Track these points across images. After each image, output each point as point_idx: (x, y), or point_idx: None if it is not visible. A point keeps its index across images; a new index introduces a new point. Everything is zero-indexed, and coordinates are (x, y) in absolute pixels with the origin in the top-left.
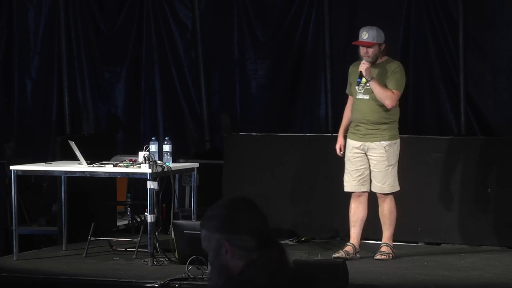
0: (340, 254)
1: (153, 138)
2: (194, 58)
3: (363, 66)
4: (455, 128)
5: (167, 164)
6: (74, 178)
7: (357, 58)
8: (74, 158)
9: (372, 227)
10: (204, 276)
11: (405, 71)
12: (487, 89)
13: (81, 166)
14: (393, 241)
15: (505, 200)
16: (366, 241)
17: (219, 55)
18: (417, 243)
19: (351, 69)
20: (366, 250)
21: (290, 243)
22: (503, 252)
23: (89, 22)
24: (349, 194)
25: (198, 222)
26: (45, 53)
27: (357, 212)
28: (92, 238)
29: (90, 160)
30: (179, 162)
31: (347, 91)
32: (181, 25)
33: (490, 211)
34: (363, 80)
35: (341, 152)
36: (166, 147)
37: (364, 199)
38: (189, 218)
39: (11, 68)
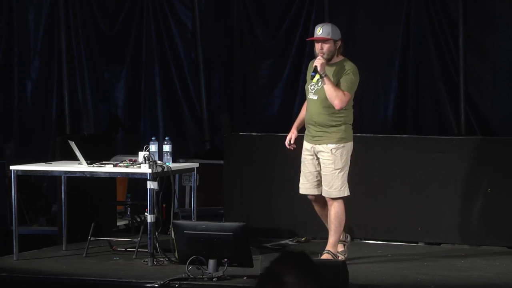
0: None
1: (153, 138)
2: (194, 58)
3: (319, 61)
4: (455, 128)
5: (167, 164)
6: (74, 178)
7: (356, 57)
8: (74, 158)
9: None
10: (204, 276)
11: (405, 71)
12: (487, 89)
13: (81, 166)
14: (393, 241)
15: (505, 200)
16: (366, 241)
17: (219, 55)
18: (417, 243)
19: (309, 65)
20: (366, 250)
21: (290, 243)
22: (503, 252)
23: (89, 22)
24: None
25: (198, 222)
26: (45, 53)
27: (323, 214)
28: (92, 238)
29: (90, 160)
30: (179, 162)
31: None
32: (181, 25)
33: (490, 211)
34: (317, 76)
35: (292, 145)
36: (166, 147)
37: (321, 198)
38: (189, 218)
39: (11, 68)
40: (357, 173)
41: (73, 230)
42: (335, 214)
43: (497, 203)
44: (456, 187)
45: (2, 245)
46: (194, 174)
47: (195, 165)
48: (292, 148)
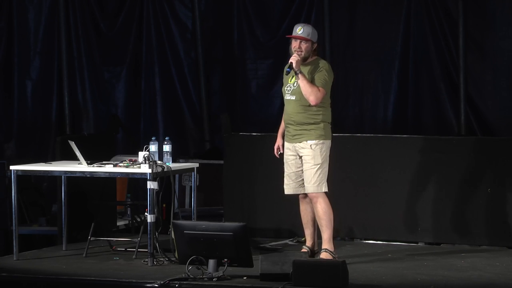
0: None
1: (153, 138)
2: (194, 58)
3: (294, 58)
4: (455, 128)
5: (167, 164)
6: (74, 178)
7: (356, 57)
8: (74, 158)
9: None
10: (204, 276)
11: (405, 71)
12: (487, 89)
13: (81, 166)
14: (393, 241)
15: (505, 200)
16: (366, 241)
17: (219, 55)
18: (417, 243)
19: (285, 70)
20: (366, 250)
21: (290, 243)
22: (503, 252)
23: (89, 22)
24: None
25: (198, 222)
26: (45, 53)
27: (306, 214)
28: (92, 238)
29: (90, 160)
30: (179, 162)
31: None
32: (181, 25)
33: (490, 211)
34: (291, 73)
35: (279, 153)
36: (166, 147)
37: (309, 199)
38: (189, 218)
39: (11, 68)
40: (357, 173)
41: (73, 230)
42: (322, 209)
43: (497, 203)
44: (456, 187)
45: (2, 245)
46: (194, 174)
47: (195, 165)
48: (279, 156)
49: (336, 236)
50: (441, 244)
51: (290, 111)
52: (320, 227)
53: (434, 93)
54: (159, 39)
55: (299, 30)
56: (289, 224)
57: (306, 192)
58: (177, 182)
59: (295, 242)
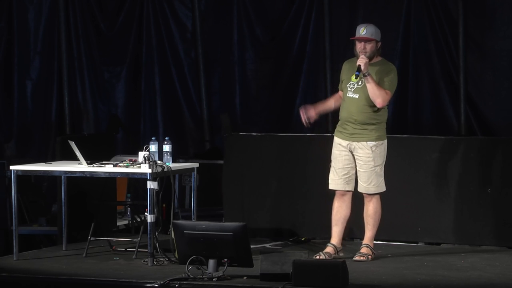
0: (321, 257)
1: (153, 138)
2: (194, 58)
3: (362, 60)
4: (455, 128)
5: (167, 164)
6: (74, 178)
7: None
8: (74, 158)
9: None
10: (204, 276)
11: (405, 71)
12: (487, 89)
13: (81, 166)
14: (393, 241)
15: (505, 200)
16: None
17: (219, 55)
18: (417, 243)
19: (345, 65)
20: None
21: (290, 243)
22: (503, 252)
23: (89, 22)
24: (358, 196)
25: (198, 222)
26: (45, 53)
27: (340, 211)
28: (92, 238)
29: (90, 160)
30: (179, 162)
31: (339, 87)
32: (181, 25)
33: (490, 211)
34: (357, 76)
35: (306, 121)
36: (166, 147)
37: (348, 198)
38: (189, 218)
39: (11, 68)
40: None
41: (73, 230)
42: (373, 209)
43: (497, 203)
44: (456, 187)
45: (2, 245)
46: (194, 174)
47: (195, 165)
48: (305, 121)
49: None
50: (441, 244)
51: (352, 109)
52: (366, 224)
53: (434, 93)
54: (159, 39)
55: (362, 30)
56: (289, 224)
57: (362, 191)
58: (177, 182)
59: (295, 242)
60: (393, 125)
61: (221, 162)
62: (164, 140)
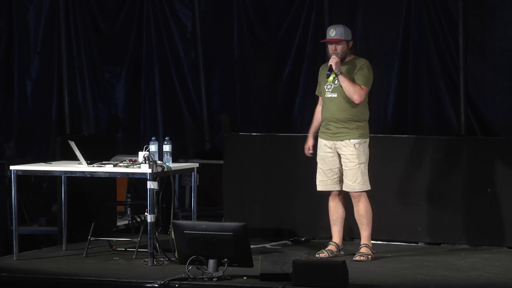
0: (323, 254)
1: (153, 138)
2: (194, 58)
3: (333, 60)
4: (455, 128)
5: (167, 164)
6: (74, 178)
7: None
8: (74, 158)
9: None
10: (204, 276)
11: (405, 71)
12: (487, 89)
13: (81, 166)
14: (393, 241)
15: (505, 200)
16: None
17: (219, 55)
18: (417, 243)
19: (322, 69)
20: None
21: (290, 243)
22: (503, 252)
23: (89, 22)
24: (349, 194)
25: (198, 222)
26: (45, 53)
27: (336, 211)
28: (92, 238)
29: (90, 160)
30: (179, 162)
31: (316, 92)
32: (181, 25)
33: (490, 211)
34: (332, 75)
35: (310, 152)
36: (166, 147)
37: (341, 197)
38: (189, 218)
39: (11, 68)
40: None
41: (73, 230)
42: (364, 208)
43: (497, 203)
44: (456, 187)
45: (2, 245)
46: (194, 174)
47: (195, 165)
48: (310, 155)
49: None
50: (441, 244)
51: (333, 109)
52: (360, 224)
53: (434, 93)
54: (159, 39)
55: (331, 32)
56: (289, 224)
57: (348, 190)
58: (177, 182)
59: (295, 242)
60: (393, 125)
61: (221, 162)
62: (164, 140)
